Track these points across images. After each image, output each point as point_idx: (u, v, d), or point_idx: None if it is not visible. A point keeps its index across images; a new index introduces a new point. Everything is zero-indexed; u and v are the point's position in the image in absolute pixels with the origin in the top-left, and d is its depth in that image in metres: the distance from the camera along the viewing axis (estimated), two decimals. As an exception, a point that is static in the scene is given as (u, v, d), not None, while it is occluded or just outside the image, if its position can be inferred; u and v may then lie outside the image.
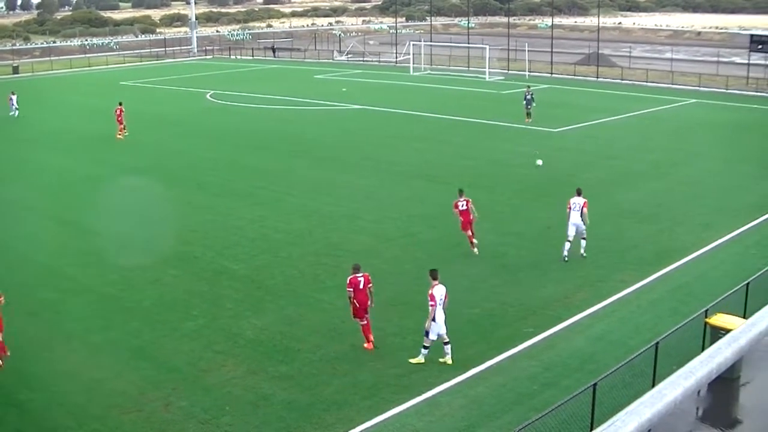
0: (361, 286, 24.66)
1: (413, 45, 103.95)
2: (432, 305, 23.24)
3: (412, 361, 23.86)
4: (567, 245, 32.22)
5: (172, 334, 26.31)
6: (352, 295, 24.64)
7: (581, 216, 32.09)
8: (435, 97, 78.11)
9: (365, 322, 24.90)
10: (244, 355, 24.58)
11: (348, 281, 24.81)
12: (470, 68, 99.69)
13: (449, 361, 23.74)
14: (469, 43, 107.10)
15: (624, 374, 20.21)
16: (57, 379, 23.66)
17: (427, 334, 23.61)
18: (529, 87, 65.55)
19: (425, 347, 23.79)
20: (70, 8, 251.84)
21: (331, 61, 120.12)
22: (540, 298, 28.26)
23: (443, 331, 23.52)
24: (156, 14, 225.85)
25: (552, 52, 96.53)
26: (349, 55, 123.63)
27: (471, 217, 33.03)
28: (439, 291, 23.41)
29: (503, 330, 25.83)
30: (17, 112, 74.13)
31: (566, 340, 25.14)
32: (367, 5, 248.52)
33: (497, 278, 30.35)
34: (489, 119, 63.00)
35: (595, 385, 18.38)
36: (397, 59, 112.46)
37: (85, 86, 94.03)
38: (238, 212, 39.90)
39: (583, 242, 32.65)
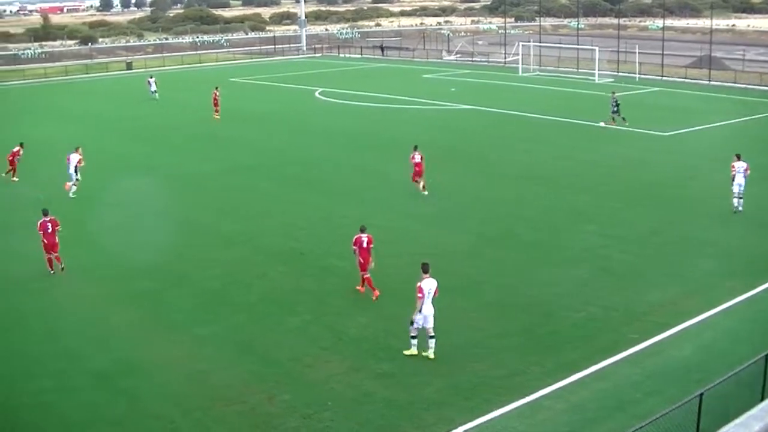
0: (365, 245, 28.63)
1: (522, 46, 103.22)
2: (420, 297, 23.87)
3: (406, 352, 24.44)
4: (735, 200, 37.83)
5: (277, 329, 26.64)
6: (357, 252, 28.71)
7: (744, 177, 37.52)
8: (543, 99, 77.49)
9: (368, 275, 28.84)
10: (347, 352, 24.77)
11: (354, 240, 28.80)
12: (579, 70, 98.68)
13: (431, 356, 24.13)
14: (578, 44, 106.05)
15: (731, 385, 19.78)
16: (162, 369, 24.13)
17: (412, 323, 24.20)
18: (614, 92, 64.56)
19: (413, 337, 24.40)
20: (182, 6, 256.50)
21: (439, 60, 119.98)
22: (645, 303, 27.83)
23: (429, 324, 24.04)
24: (266, 12, 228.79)
25: (663, 54, 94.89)
26: (458, 55, 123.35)
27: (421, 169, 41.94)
28: (428, 284, 24.07)
29: (607, 335, 25.51)
30: (156, 94, 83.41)
31: (671, 348, 24.69)
32: (476, 5, 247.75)
33: (601, 282, 30.01)
34: (596, 121, 62.26)
35: (701, 395, 18.03)
36: (506, 60, 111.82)
37: (196, 83, 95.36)
38: (344, 211, 40.17)
39: (741, 200, 37.67)
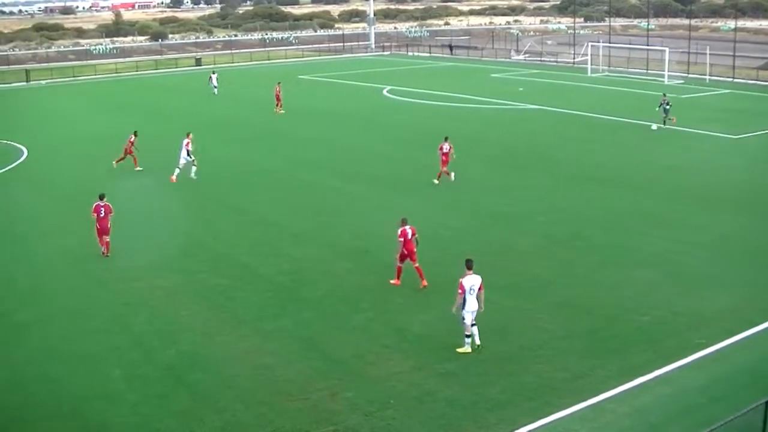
0: (410, 237, 29.52)
1: (591, 46, 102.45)
2: (460, 293, 24.22)
3: (459, 350, 24.56)
4: None
5: (341, 326, 26.78)
6: (402, 244, 29.42)
7: None
8: (611, 99, 76.84)
9: (417, 264, 29.80)
10: (410, 351, 24.82)
11: (399, 232, 29.53)
12: (649, 71, 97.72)
13: (477, 341, 24.66)
14: (648, 45, 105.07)
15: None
16: (228, 363, 24.37)
17: (463, 321, 24.46)
18: (665, 95, 63.85)
19: (467, 336, 24.60)
20: (252, 3, 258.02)
21: (508, 60, 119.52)
22: (713, 309, 27.45)
23: (470, 320, 24.44)
24: (335, 10, 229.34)
25: (734, 55, 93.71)
26: (527, 55, 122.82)
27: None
28: (470, 280, 24.30)
29: (673, 339, 25.21)
30: (216, 90, 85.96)
31: (738, 354, 24.37)
32: (546, 5, 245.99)
33: (669, 286, 29.68)
34: (665, 123, 61.63)
35: (767, 402, 17.83)
36: (575, 60, 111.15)
37: (264, 79, 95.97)
38: (410, 208, 40.02)
39: None
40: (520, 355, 24.26)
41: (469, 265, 24.69)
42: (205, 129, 63.52)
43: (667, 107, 60.92)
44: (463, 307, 24.31)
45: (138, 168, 50.26)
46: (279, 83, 76.08)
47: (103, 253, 34.44)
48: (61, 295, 30.49)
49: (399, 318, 27.23)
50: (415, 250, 29.80)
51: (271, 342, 25.75)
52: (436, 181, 44.98)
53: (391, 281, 30.26)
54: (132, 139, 50.82)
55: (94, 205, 34.42)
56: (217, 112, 74.94)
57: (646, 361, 23.61)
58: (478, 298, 24.42)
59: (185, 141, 47.85)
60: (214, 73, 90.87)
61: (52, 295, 30.54)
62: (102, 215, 34.27)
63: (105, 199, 34.62)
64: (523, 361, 23.86)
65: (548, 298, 28.28)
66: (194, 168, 47.81)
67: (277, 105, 73.59)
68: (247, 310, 28.39)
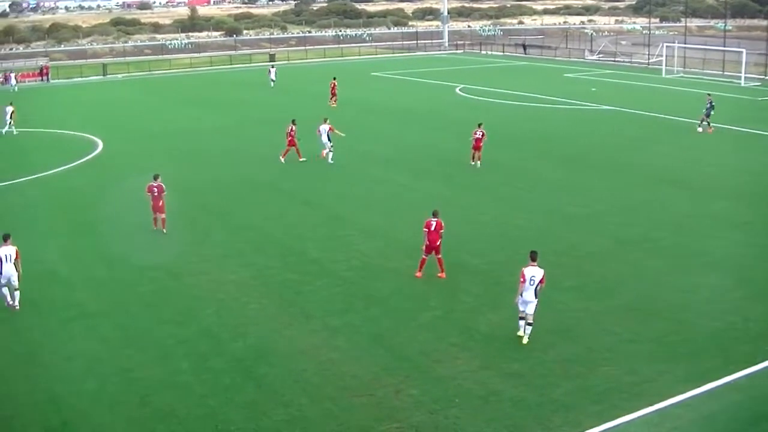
0: (433, 228, 29.92)
1: (666, 46, 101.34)
2: (521, 282, 24.79)
3: (525, 341, 25.06)
4: None
5: (408, 323, 26.80)
6: (427, 234, 30.00)
7: None
8: (685, 101, 75.90)
9: (426, 257, 30.42)
10: (477, 350, 24.77)
11: (425, 223, 30.14)
12: (725, 72, 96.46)
13: (524, 341, 25.06)
14: (724, 46, 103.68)
15: None
16: (295, 357, 24.52)
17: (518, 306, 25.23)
18: (709, 94, 62.86)
19: (521, 318, 25.23)
20: (326, 0, 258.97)
21: (581, 60, 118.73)
22: (786, 316, 27.09)
23: (530, 311, 24.87)
24: (409, 7, 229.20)
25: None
26: (601, 55, 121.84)
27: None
28: (531, 271, 24.81)
29: (744, 346, 24.82)
30: (274, 83, 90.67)
31: (812, 362, 24.03)
32: (621, 4, 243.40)
33: (741, 291, 29.21)
34: (740, 126, 60.83)
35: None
36: (649, 61, 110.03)
37: (337, 76, 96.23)
38: (481, 207, 40.21)
39: None
40: (586, 357, 24.09)
41: (533, 257, 25.25)
42: (271, 122, 64.11)
43: (711, 110, 59.93)
44: (521, 294, 24.93)
45: (302, 159, 51.31)
46: (335, 78, 78.23)
47: (156, 227, 37.33)
48: (132, 286, 30.93)
49: (466, 317, 27.19)
50: (438, 243, 30.22)
51: (339, 337, 25.86)
52: (472, 163, 48.83)
53: (416, 273, 30.84)
54: (292, 129, 51.47)
55: (147, 185, 37.14)
56: (283, 106, 75.46)
57: (716, 367, 23.29)
58: (537, 291, 24.72)
59: (323, 126, 50.56)
60: (273, 67, 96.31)
61: (124, 285, 31.01)
62: (155, 194, 36.80)
63: (159, 179, 37.12)
64: (590, 364, 23.70)
65: (616, 300, 28.04)
66: (331, 154, 50.56)
67: (331, 98, 76.22)
68: (315, 305, 28.54)
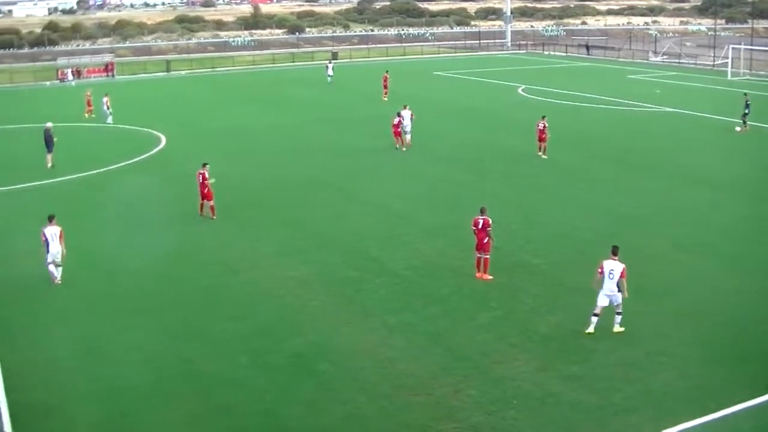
0: (480, 226, 30.20)
1: (732, 48, 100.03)
2: (599, 272, 25.40)
3: (586, 330, 25.44)
4: None
5: (468, 323, 26.73)
6: (475, 232, 30.35)
7: None
8: (754, 105, 74.74)
9: (480, 256, 30.57)
10: (536, 351, 24.65)
11: (472, 221, 30.61)
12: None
13: (615, 329, 25.53)
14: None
15: None
16: (354, 355, 24.60)
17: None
18: (746, 94, 61.93)
19: (595, 315, 25.53)
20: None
21: (645, 61, 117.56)
22: None
23: (617, 301, 25.34)
24: (472, 7, 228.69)
25: None
26: (665, 57, 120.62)
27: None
28: (610, 265, 25.26)
29: (807, 352, 24.55)
30: (330, 78, 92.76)
31: None
32: (686, 5, 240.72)
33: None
34: (743, 124, 59.82)
35: None
36: (715, 63, 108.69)
37: (400, 75, 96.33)
38: (542, 208, 40.01)
39: None
40: (645, 362, 23.85)
41: (614, 251, 25.62)
42: (329, 121, 64.49)
43: (746, 110, 59.65)
44: (601, 288, 25.29)
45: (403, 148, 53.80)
46: (387, 72, 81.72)
47: (202, 214, 39.13)
48: (192, 280, 31.24)
49: (527, 318, 27.07)
50: (485, 241, 30.36)
51: (398, 336, 25.87)
52: (539, 154, 50.76)
53: (476, 273, 30.83)
54: (397, 121, 54.34)
55: (197, 172, 38.94)
56: (339, 104, 75.77)
57: (777, 374, 22.97)
58: (619, 285, 25.04)
59: (404, 112, 54.34)
60: (330, 63, 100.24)
61: (185, 280, 31.33)
62: (201, 181, 38.52)
63: (207, 167, 38.88)
64: (649, 368, 23.46)
65: (674, 304, 27.73)
66: (408, 137, 54.30)
67: (384, 93, 77.95)
68: (374, 303, 28.59)
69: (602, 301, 25.33)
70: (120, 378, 23.52)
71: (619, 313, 25.43)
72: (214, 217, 38.56)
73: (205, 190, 38.50)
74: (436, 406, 21.48)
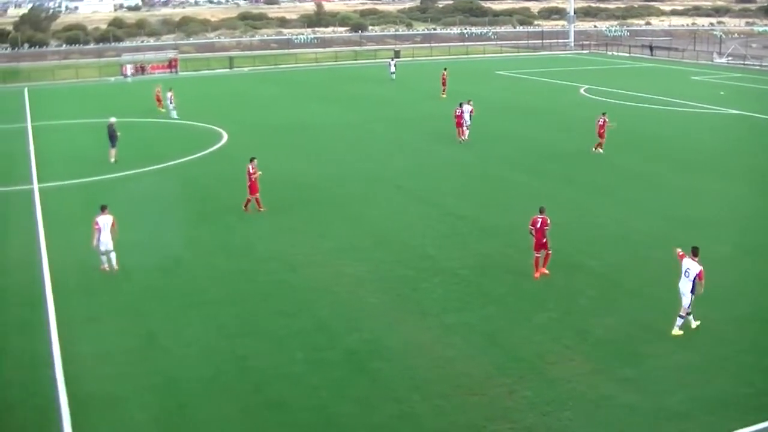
0: (539, 225, 30.25)
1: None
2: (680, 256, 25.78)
3: (673, 333, 25.44)
4: None
5: (524, 323, 26.70)
6: (533, 232, 30.40)
7: None
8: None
9: (538, 255, 30.60)
10: (591, 353, 24.54)
11: (531, 220, 30.66)
12: None
13: (675, 332, 25.39)
14: None
15: None
16: (409, 353, 24.65)
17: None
18: None
19: (680, 317, 25.53)
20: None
21: (709, 63, 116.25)
22: None
23: (685, 303, 25.34)
24: (535, 6, 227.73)
25: None
26: (729, 58, 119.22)
27: None
28: (687, 263, 25.37)
29: None
30: (394, 75, 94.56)
31: None
32: (752, 6, 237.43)
33: None
34: None
35: None
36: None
37: (462, 74, 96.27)
38: (600, 209, 39.79)
39: None
40: (702, 367, 23.65)
41: (694, 252, 25.66)
42: (396, 119, 64.63)
43: None
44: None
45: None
46: (446, 69, 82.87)
47: (246, 209, 39.79)
48: (250, 275, 31.55)
49: (582, 319, 26.96)
50: (543, 240, 30.42)
51: (453, 335, 25.91)
52: (595, 150, 52.05)
53: (534, 274, 30.84)
54: (460, 113, 56.53)
55: (247, 166, 39.65)
56: (401, 102, 75.84)
57: (839, 384, 22.64)
58: (694, 286, 25.09)
59: (466, 106, 56.64)
60: (392, 60, 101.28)
61: (243, 275, 31.62)
62: (250, 172, 39.42)
63: (254, 161, 39.65)
64: (706, 373, 23.26)
65: (736, 309, 27.43)
66: (467, 131, 56.60)
67: (442, 90, 79.23)
68: (431, 302, 28.63)
69: (685, 300, 25.44)
70: (177, 371, 23.85)
71: (681, 317, 25.33)
72: (262, 209, 39.54)
73: (251, 184, 39.40)
74: (491, 407, 21.49)
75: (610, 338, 25.52)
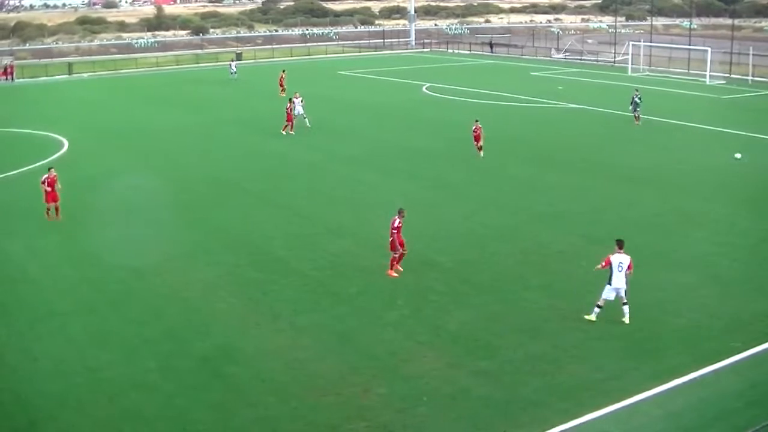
0: (396, 224, 30.19)
1: (632, 45, 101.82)
2: (602, 265, 26.32)
3: (586, 317, 26.31)
4: None
5: (375, 322, 26.76)
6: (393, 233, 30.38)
7: None
8: (651, 99, 75.86)
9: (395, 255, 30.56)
10: (444, 348, 24.76)
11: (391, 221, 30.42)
12: (690, 71, 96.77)
13: (626, 321, 26.16)
14: (690, 45, 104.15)
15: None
16: (262, 357, 24.48)
17: (602, 293, 26.21)
18: (637, 89, 63.96)
19: (598, 306, 26.23)
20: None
21: (548, 58, 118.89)
22: (750, 312, 27.10)
23: (622, 294, 26.16)
24: (376, 6, 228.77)
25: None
26: (567, 54, 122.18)
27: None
28: (618, 258, 26.09)
29: (709, 343, 24.97)
30: (235, 75, 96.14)
31: (776, 358, 24.17)
32: (587, 3, 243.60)
33: (707, 289, 29.40)
34: (707, 125, 61.20)
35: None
36: (615, 59, 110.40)
37: (304, 74, 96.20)
38: (448, 206, 40.20)
39: None
40: (553, 355, 24.16)
41: (619, 245, 26.46)
42: (235, 122, 64.18)
43: (639, 102, 62.55)
44: (609, 283, 26.05)
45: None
46: (284, 71, 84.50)
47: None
48: (98, 285, 30.74)
49: (435, 315, 27.17)
50: (391, 239, 30.72)
51: (306, 337, 25.79)
52: (481, 154, 50.57)
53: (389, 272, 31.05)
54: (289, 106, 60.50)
55: (42, 178, 39.11)
56: (242, 103, 75.43)
57: (682, 364, 23.40)
58: (627, 277, 25.89)
59: (298, 99, 61.48)
60: (233, 61, 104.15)
61: (91, 285, 30.80)
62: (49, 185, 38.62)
63: (52, 170, 39.22)
64: (557, 361, 23.77)
65: (584, 298, 28.02)
66: (307, 120, 60.92)
67: (281, 91, 79.71)
68: (282, 304, 28.44)
69: (609, 294, 26.11)
70: (27, 387, 23.01)
71: (625, 304, 26.18)
72: (59, 218, 38.71)
73: (50, 192, 38.74)
74: (347, 406, 21.46)
75: (464, 333, 25.79)
